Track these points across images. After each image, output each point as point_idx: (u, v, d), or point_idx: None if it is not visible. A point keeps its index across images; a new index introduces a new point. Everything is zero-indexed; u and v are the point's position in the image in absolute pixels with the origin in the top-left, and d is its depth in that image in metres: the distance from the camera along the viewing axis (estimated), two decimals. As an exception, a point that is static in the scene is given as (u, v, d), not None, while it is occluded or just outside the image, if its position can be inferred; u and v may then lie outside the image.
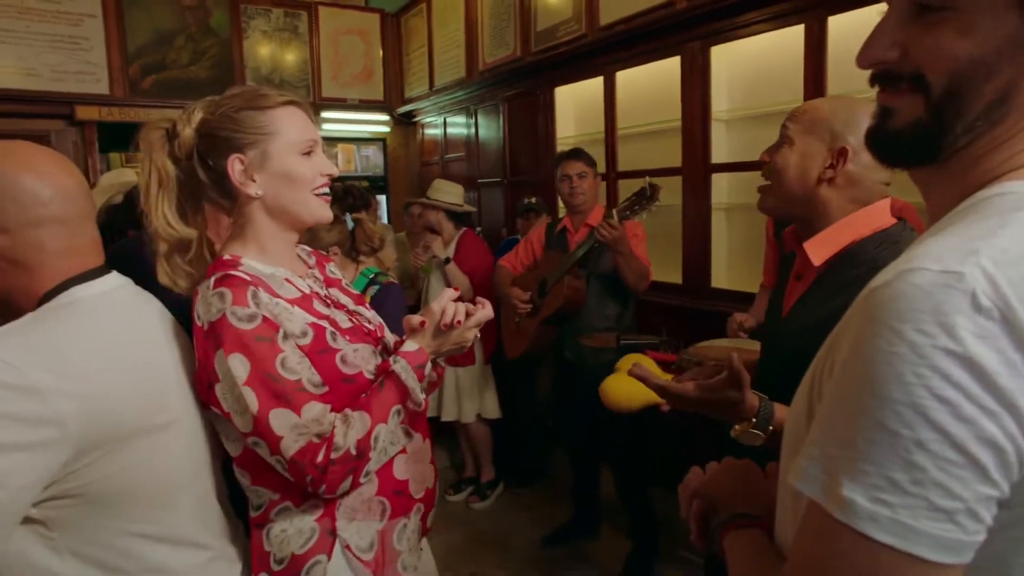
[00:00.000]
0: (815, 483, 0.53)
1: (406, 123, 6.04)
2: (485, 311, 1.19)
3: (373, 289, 2.02)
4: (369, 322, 1.27)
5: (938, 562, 0.48)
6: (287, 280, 1.15)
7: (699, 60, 3.15)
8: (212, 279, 1.06)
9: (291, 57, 5.38)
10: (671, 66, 3.31)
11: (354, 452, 1.04)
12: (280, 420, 1.01)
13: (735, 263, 3.34)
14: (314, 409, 1.04)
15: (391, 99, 5.88)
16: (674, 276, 3.45)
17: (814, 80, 2.67)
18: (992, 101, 0.56)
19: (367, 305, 1.34)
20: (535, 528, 3.22)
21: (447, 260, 3.38)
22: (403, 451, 1.19)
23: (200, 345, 1.04)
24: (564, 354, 2.91)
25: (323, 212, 1.17)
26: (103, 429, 0.90)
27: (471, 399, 3.49)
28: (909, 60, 0.59)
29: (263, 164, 1.11)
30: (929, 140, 0.60)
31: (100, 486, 0.91)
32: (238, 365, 1.01)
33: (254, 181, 1.11)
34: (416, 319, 1.18)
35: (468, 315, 1.17)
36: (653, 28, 3.28)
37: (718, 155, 3.20)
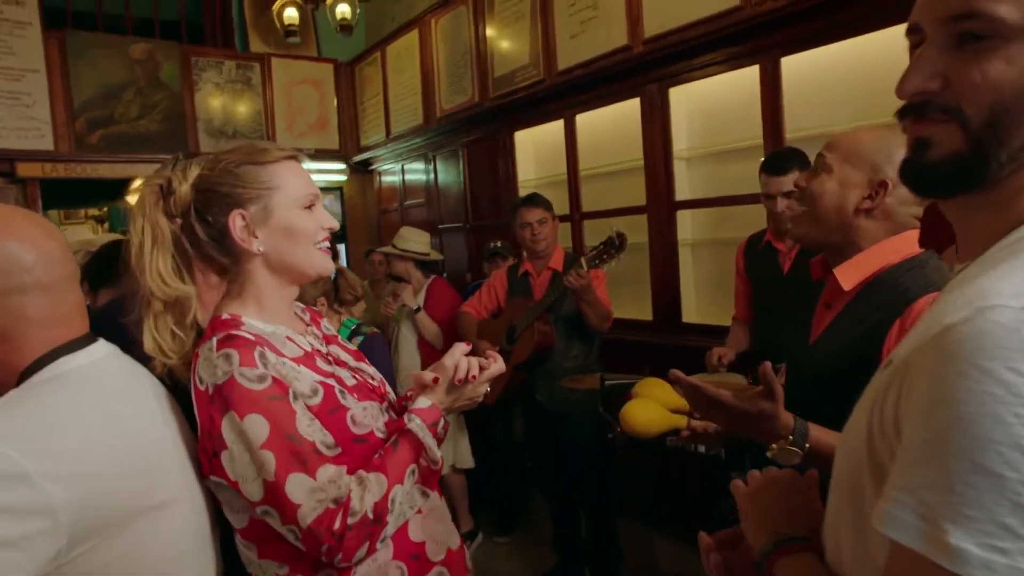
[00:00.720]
0: (911, 530, 0.51)
1: (363, 171, 6.01)
2: (498, 365, 1.17)
3: (357, 340, 1.97)
4: (372, 378, 1.24)
5: None
6: (288, 338, 1.11)
7: (658, 101, 3.24)
8: (215, 340, 1.00)
9: (244, 108, 5.32)
10: (631, 107, 3.39)
11: (371, 516, 0.98)
12: (298, 485, 0.95)
13: (704, 297, 3.38)
14: (329, 471, 0.98)
15: (347, 148, 5.85)
16: (644, 313, 3.47)
17: (771, 118, 2.77)
18: None
19: (366, 360, 1.30)
20: (519, 579, 3.12)
21: (417, 309, 3.34)
22: (419, 512, 1.13)
23: (204, 410, 0.98)
24: (536, 396, 2.88)
25: (326, 265, 1.14)
26: (99, 514, 0.82)
27: (444, 449, 3.39)
28: (951, 91, 0.60)
29: (265, 219, 1.08)
30: (970, 170, 0.60)
31: None
32: (257, 426, 0.95)
33: (256, 237, 1.07)
34: (428, 376, 1.14)
35: (481, 369, 1.14)
36: (612, 72, 3.37)
37: (681, 192, 3.27)
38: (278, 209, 1.08)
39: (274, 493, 0.94)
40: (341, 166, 5.85)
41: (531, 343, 2.77)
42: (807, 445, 1.01)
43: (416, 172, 5.34)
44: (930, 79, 0.61)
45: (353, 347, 1.32)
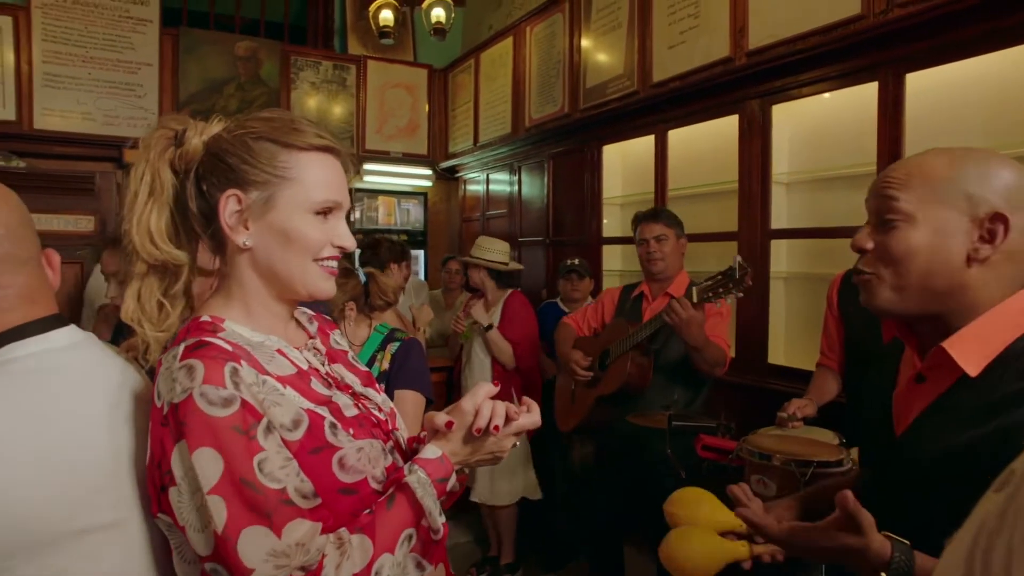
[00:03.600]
0: None
1: (448, 178, 5.97)
2: (531, 416, 0.94)
3: (393, 346, 1.81)
4: (379, 409, 1.02)
5: None
6: (279, 352, 0.92)
7: (759, 119, 2.95)
8: (181, 346, 0.83)
9: (338, 109, 5.39)
10: (727, 124, 3.11)
11: None
12: (253, 543, 0.76)
13: (793, 338, 3.04)
14: (299, 530, 0.79)
15: (434, 153, 5.83)
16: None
17: (889, 141, 2.43)
18: None
19: (377, 387, 1.08)
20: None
21: (489, 327, 3.14)
22: None
23: (155, 434, 0.81)
24: (615, 431, 2.60)
25: (323, 286, 0.94)
26: (16, 532, 0.70)
27: (505, 479, 3.19)
28: None
29: (264, 212, 0.90)
30: None
31: None
32: (207, 464, 0.77)
33: (247, 229, 0.90)
34: (442, 418, 0.91)
35: (509, 419, 0.91)
36: (710, 85, 3.11)
37: (778, 220, 2.96)
38: (283, 205, 0.89)
39: (223, 550, 0.76)
40: (427, 171, 5.83)
41: (622, 375, 2.45)
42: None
43: (500, 182, 5.23)
44: None
45: (364, 367, 1.11)
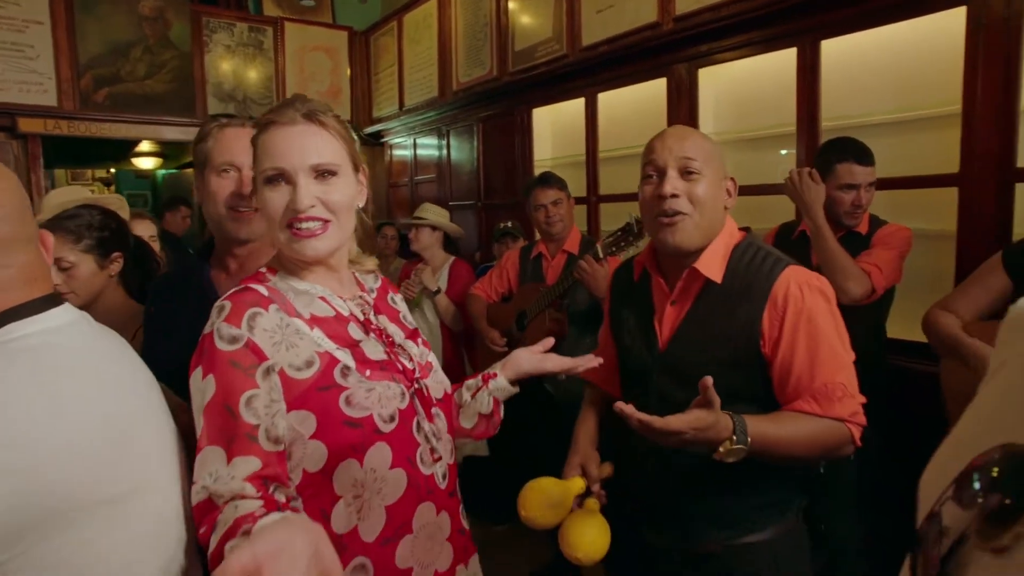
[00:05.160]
0: None
1: (373, 143, 5.87)
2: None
3: None
4: (410, 359, 1.11)
5: None
6: (322, 298, 1.04)
7: (686, 82, 3.09)
8: (234, 288, 1.00)
9: (255, 73, 5.17)
10: (656, 87, 3.24)
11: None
12: (205, 460, 0.87)
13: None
14: (245, 464, 0.87)
15: (358, 118, 5.71)
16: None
17: (807, 105, 2.62)
18: None
19: (419, 342, 1.18)
20: (517, 570, 3.03)
21: (437, 291, 3.21)
22: (409, 531, 1.01)
23: (192, 359, 0.95)
24: (544, 386, 2.76)
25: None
26: (40, 509, 0.70)
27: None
28: None
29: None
30: None
31: None
32: (209, 387, 0.91)
33: None
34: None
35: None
36: (638, 49, 3.21)
37: (705, 179, 3.13)
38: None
39: (196, 460, 0.89)
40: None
41: (542, 331, 2.61)
42: (749, 440, 1.04)
43: (428, 147, 5.20)
44: None
45: (413, 326, 1.21)
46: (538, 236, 2.89)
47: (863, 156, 2.08)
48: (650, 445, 1.07)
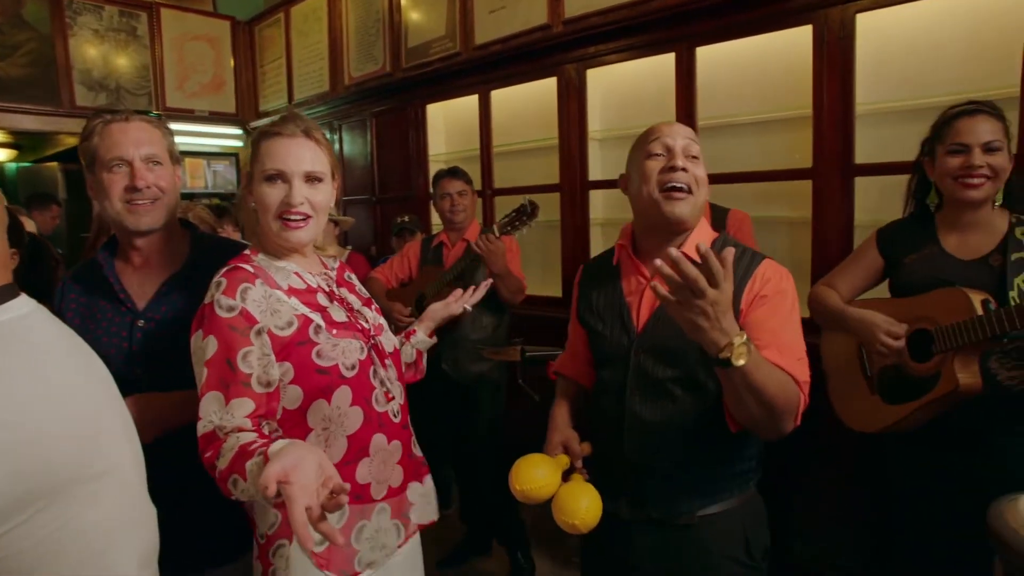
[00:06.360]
0: None
1: (259, 137, 5.70)
2: None
3: None
4: (366, 321, 1.35)
5: None
6: (296, 273, 1.26)
7: (575, 82, 3.29)
8: (225, 268, 1.19)
9: (127, 61, 4.88)
10: (547, 86, 3.42)
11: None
12: (208, 401, 1.10)
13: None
14: (240, 405, 1.10)
15: (244, 112, 5.53)
16: (554, 290, 3.54)
17: (684, 105, 2.88)
18: None
19: (373, 308, 1.42)
20: (428, 552, 3.10)
21: None
22: (367, 455, 1.25)
23: (195, 319, 1.17)
24: (441, 366, 2.86)
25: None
26: (33, 482, 0.73)
27: None
28: None
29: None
30: None
31: (19, 561, 0.73)
32: (211, 345, 1.12)
33: (251, 195, 1.30)
34: None
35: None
36: (530, 49, 3.38)
37: (594, 172, 3.34)
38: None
39: (200, 402, 1.11)
40: (238, 131, 5.53)
41: None
42: (753, 348, 1.07)
43: (319, 141, 5.12)
44: None
45: (366, 295, 1.46)
46: (437, 228, 2.99)
47: None
48: (627, 422, 1.19)
